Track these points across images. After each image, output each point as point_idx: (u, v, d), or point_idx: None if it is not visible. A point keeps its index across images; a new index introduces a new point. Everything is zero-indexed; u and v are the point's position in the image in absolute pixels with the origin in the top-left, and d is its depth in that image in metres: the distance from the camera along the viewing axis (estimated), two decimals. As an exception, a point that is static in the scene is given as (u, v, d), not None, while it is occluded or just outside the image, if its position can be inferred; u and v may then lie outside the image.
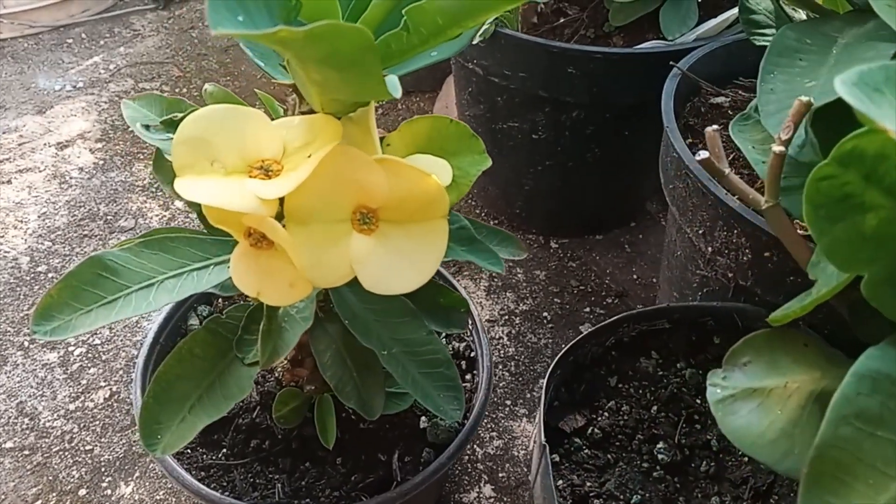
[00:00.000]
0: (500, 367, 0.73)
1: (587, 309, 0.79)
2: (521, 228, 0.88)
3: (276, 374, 0.49)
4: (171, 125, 0.36)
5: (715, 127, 0.36)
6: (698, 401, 0.48)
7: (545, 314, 0.79)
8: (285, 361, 0.45)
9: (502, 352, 0.75)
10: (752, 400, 0.29)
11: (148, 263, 0.36)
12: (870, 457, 0.23)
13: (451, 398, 0.38)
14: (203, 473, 0.46)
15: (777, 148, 0.31)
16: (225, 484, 0.46)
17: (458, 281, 0.81)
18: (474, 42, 0.67)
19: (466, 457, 0.66)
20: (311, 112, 0.32)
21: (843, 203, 0.24)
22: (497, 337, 0.76)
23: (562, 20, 0.76)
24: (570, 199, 0.83)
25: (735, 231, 0.46)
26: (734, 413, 0.29)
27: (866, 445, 0.23)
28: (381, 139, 0.35)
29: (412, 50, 0.30)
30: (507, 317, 0.78)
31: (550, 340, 0.76)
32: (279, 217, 0.29)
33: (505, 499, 0.63)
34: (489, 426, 0.68)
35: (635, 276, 0.83)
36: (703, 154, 0.35)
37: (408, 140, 0.34)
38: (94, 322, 0.33)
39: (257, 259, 0.30)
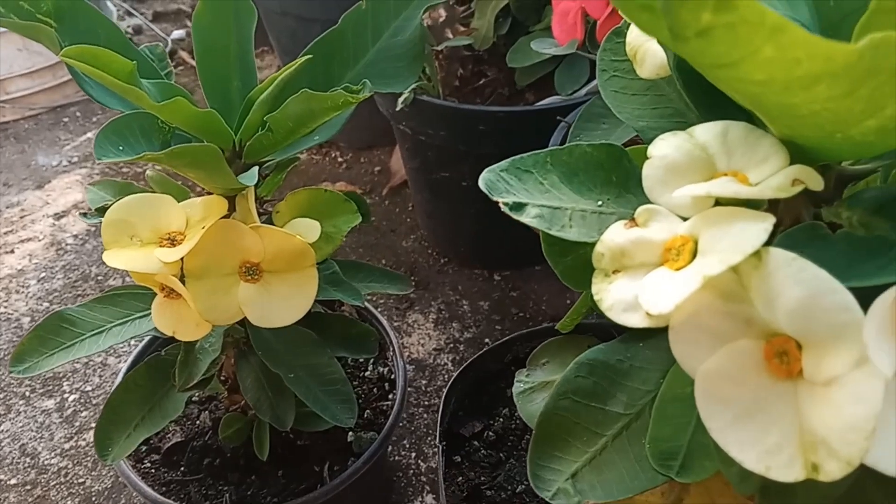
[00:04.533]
0: (444, 389, 0.82)
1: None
2: (467, 264, 0.98)
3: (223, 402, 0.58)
4: (103, 211, 0.46)
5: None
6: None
7: (487, 340, 0.88)
8: (224, 390, 0.54)
9: (447, 377, 0.84)
10: (546, 390, 0.38)
11: (100, 315, 0.46)
12: (584, 421, 0.32)
13: (346, 409, 0.47)
14: (164, 489, 0.56)
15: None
16: (182, 496, 0.55)
17: (409, 315, 0.91)
18: (398, 108, 0.78)
19: (411, 470, 0.74)
20: (210, 194, 0.42)
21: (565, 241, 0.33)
22: (442, 364, 0.85)
23: (482, 81, 0.87)
24: (503, 236, 0.92)
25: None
26: (531, 401, 0.38)
27: (582, 413, 0.32)
28: (273, 208, 0.45)
29: (280, 143, 0.41)
30: (452, 345, 0.88)
31: (490, 364, 0.85)
32: (183, 274, 0.39)
33: (444, 505, 0.71)
34: (431, 443, 0.77)
35: (568, 301, 0.92)
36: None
37: (292, 207, 0.44)
38: (56, 362, 0.43)
39: (171, 307, 0.40)
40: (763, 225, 0.21)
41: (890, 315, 0.19)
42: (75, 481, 0.75)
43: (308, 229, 0.41)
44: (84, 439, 0.79)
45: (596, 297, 0.25)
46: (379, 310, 0.91)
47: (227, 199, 0.42)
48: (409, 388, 0.82)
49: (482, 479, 0.54)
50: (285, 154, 0.44)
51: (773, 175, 0.23)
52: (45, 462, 0.77)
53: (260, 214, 0.47)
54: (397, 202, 1.10)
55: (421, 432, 0.78)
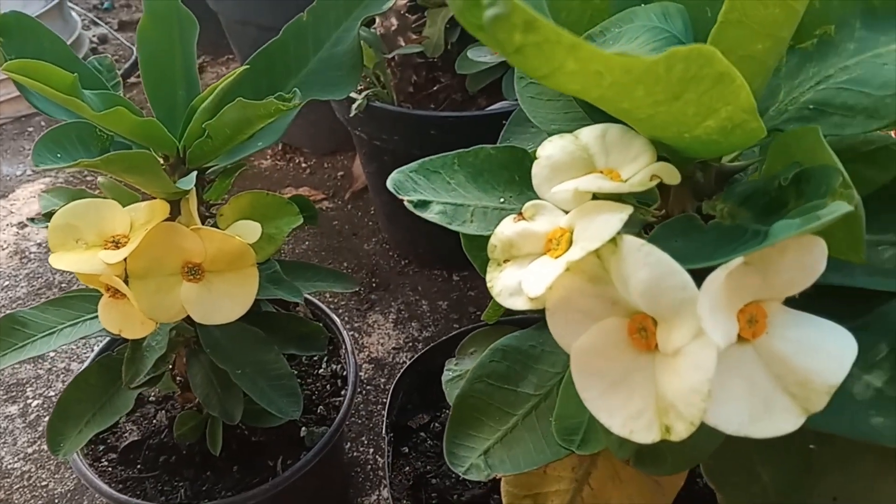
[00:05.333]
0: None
1: (482, 331, 0.91)
2: (426, 266, 1.00)
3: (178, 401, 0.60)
4: (50, 216, 0.48)
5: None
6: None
7: (445, 339, 0.90)
8: (178, 389, 0.56)
9: (405, 374, 0.86)
10: (472, 378, 0.41)
11: (52, 317, 0.48)
12: (497, 402, 0.34)
13: (291, 402, 0.49)
14: (121, 486, 0.57)
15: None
16: (139, 493, 0.57)
17: (369, 315, 0.93)
18: (352, 115, 0.80)
19: (369, 465, 0.77)
20: (154, 198, 0.44)
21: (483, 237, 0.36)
22: (401, 362, 0.88)
23: (436, 87, 0.89)
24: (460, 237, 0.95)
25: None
26: (458, 387, 0.41)
27: (496, 395, 0.35)
28: (217, 211, 0.47)
29: (220, 149, 0.43)
30: (410, 343, 0.90)
31: (448, 361, 0.87)
32: (127, 275, 0.41)
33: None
34: (390, 438, 0.79)
35: (524, 300, 0.95)
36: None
37: (235, 210, 0.47)
38: (8, 362, 0.45)
39: (116, 307, 0.42)
40: (620, 215, 0.23)
41: (723, 292, 0.22)
42: (38, 484, 0.76)
43: (249, 231, 0.43)
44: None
45: (489, 285, 0.27)
46: (340, 311, 0.94)
47: (171, 203, 0.44)
48: (368, 387, 0.84)
49: (428, 468, 0.56)
50: (229, 160, 0.46)
51: (639, 171, 0.26)
52: (9, 466, 0.78)
53: (208, 218, 0.49)
54: (359, 206, 1.12)
55: (379, 429, 0.80)
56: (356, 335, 0.91)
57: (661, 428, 0.23)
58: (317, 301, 0.67)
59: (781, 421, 0.21)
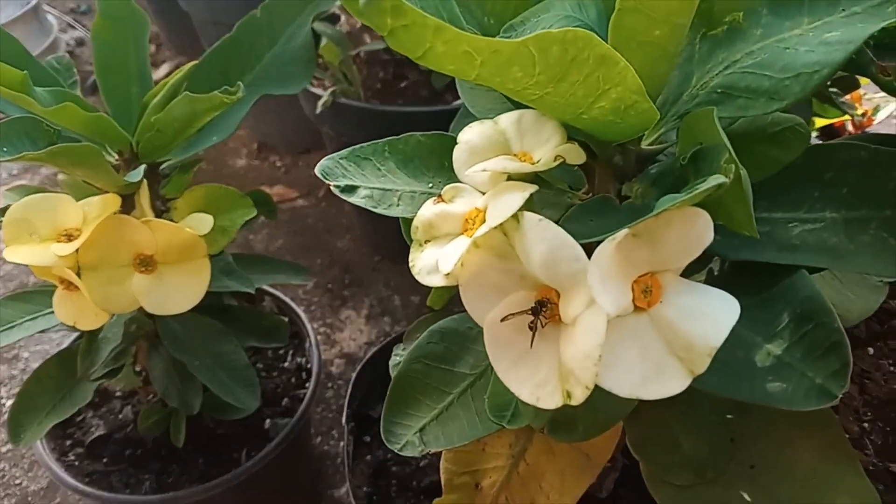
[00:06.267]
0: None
1: (453, 325, 0.92)
2: (398, 261, 1.01)
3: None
4: (3, 211, 0.48)
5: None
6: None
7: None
8: (141, 382, 0.57)
9: (377, 368, 0.87)
10: (419, 362, 0.42)
11: (12, 312, 0.48)
12: (434, 382, 0.36)
13: (249, 392, 0.50)
14: (87, 479, 0.58)
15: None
16: (104, 486, 0.58)
17: (341, 311, 0.94)
18: (318, 111, 0.81)
19: (339, 459, 0.78)
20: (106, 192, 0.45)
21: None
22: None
23: (404, 84, 0.91)
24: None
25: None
26: (405, 372, 0.42)
27: (433, 374, 0.36)
28: (171, 204, 0.48)
29: (171, 143, 0.44)
30: (382, 338, 0.91)
31: (419, 355, 0.88)
32: (80, 267, 0.42)
33: (371, 489, 0.75)
34: (360, 431, 0.80)
35: (495, 293, 0.96)
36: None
37: (189, 203, 0.48)
38: (-34, 356, 0.45)
39: (70, 298, 0.43)
40: (522, 194, 0.25)
41: (614, 263, 0.23)
42: (12, 482, 0.77)
43: (200, 223, 0.44)
44: (20, 442, 0.80)
45: (411, 265, 0.28)
46: (312, 307, 0.95)
47: (126, 197, 0.45)
48: (339, 381, 0.85)
49: (388, 456, 0.57)
50: (184, 154, 0.47)
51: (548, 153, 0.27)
52: (-18, 466, 0.79)
53: (165, 212, 0.50)
54: (334, 204, 1.13)
55: (350, 422, 0.81)
56: (328, 331, 0.92)
57: (563, 393, 0.24)
58: (282, 296, 0.68)
59: (670, 383, 0.23)
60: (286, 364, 0.67)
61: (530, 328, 0.25)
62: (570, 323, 0.24)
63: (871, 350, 0.53)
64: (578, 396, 0.23)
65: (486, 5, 0.33)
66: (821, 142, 0.38)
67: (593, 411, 0.28)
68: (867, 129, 0.79)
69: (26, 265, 0.41)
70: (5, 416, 0.83)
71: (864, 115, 0.78)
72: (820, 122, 0.74)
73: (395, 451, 0.34)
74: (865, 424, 0.48)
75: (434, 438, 0.34)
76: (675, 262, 0.24)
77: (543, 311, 0.25)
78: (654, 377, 0.23)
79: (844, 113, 0.56)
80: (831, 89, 0.55)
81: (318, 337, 0.74)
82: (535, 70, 0.20)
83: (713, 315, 0.23)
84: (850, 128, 0.79)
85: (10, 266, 1.04)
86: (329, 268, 1.01)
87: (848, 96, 0.71)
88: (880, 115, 0.79)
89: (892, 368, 0.51)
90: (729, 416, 0.32)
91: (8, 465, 0.79)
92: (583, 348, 0.23)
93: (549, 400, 0.25)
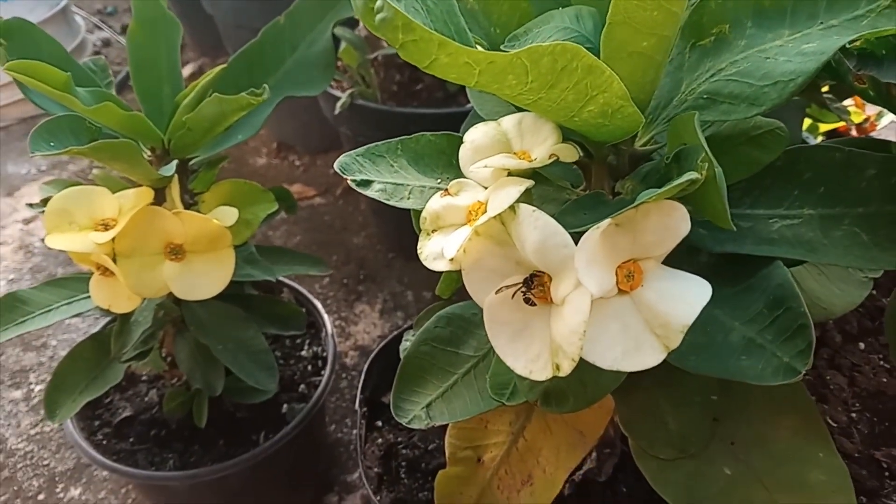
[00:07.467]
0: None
1: (464, 320, 0.95)
2: (412, 258, 1.04)
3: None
4: (47, 203, 0.52)
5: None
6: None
7: (428, 327, 0.94)
8: (167, 366, 0.61)
9: (389, 361, 0.90)
10: (428, 347, 0.45)
11: (49, 296, 0.52)
12: (440, 363, 0.39)
13: (268, 375, 0.53)
14: (115, 457, 0.62)
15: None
16: (130, 463, 0.61)
17: (356, 305, 0.97)
18: (337, 112, 0.84)
19: (352, 446, 0.81)
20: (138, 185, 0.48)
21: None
22: (386, 349, 0.92)
23: (419, 86, 0.94)
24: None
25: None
26: (415, 356, 0.45)
27: (439, 356, 0.39)
28: (199, 197, 0.51)
29: (200, 140, 0.47)
30: (395, 332, 0.94)
31: (430, 348, 0.91)
32: (115, 255, 0.45)
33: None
34: (373, 420, 0.83)
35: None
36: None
37: (216, 196, 0.51)
38: (9, 335, 0.49)
39: (105, 283, 0.46)
40: (519, 188, 0.28)
41: (599, 249, 0.26)
42: (40, 463, 0.81)
43: (226, 215, 0.48)
44: (49, 426, 0.84)
45: (419, 251, 0.31)
46: (328, 301, 0.98)
47: (157, 190, 0.49)
48: (353, 372, 0.89)
49: (399, 439, 0.60)
50: (212, 151, 0.50)
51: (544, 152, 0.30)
52: (13, 447, 0.82)
53: (193, 205, 0.53)
54: (350, 202, 1.16)
55: (363, 411, 0.84)
56: (343, 324, 0.95)
57: (553, 366, 0.27)
58: (300, 288, 0.71)
59: (647, 356, 0.25)
60: (303, 352, 0.70)
61: (525, 301, 0.28)
62: (559, 303, 0.27)
63: (861, 345, 0.56)
64: (566, 368, 0.26)
65: (493, 17, 0.35)
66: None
67: (582, 386, 0.31)
68: (870, 134, 0.81)
69: (57, 256, 0.45)
70: (34, 401, 0.87)
71: (867, 120, 0.80)
72: (824, 126, 0.77)
73: (404, 423, 0.37)
74: (853, 414, 0.51)
75: (439, 413, 0.37)
76: (656, 250, 0.26)
77: (534, 283, 0.28)
78: (633, 351, 0.26)
79: (840, 117, 0.59)
80: (826, 95, 0.57)
81: (334, 329, 0.77)
82: (528, 78, 0.22)
83: (688, 297, 0.25)
84: (854, 132, 0.81)
85: (40, 258, 1.08)
86: (345, 264, 1.04)
87: (851, 102, 0.74)
88: (884, 121, 0.81)
89: (881, 363, 0.54)
90: (713, 397, 0.35)
91: (36, 446, 0.83)
92: (570, 325, 0.26)
93: (541, 373, 0.27)
